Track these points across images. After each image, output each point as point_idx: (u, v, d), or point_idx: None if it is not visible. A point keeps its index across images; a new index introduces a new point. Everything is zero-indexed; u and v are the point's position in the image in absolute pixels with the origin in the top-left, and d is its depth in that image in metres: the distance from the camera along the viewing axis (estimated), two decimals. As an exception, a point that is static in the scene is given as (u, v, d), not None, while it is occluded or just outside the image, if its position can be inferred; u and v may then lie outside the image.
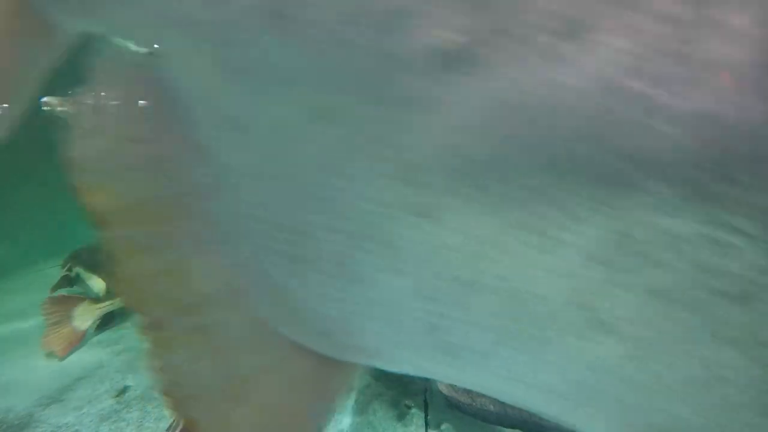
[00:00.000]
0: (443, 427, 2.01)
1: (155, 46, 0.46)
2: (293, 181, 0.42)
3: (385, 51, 0.33)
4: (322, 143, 0.39)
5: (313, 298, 0.46)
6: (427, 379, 1.96)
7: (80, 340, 2.29)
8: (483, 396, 1.77)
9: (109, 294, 2.51)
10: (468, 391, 1.83)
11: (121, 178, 0.48)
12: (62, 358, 2.18)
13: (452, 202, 0.36)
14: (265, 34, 0.36)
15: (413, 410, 2.11)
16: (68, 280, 2.89)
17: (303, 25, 0.34)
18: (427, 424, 2.02)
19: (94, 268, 2.82)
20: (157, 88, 0.46)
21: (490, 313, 0.39)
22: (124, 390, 2.09)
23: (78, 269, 2.89)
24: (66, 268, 2.92)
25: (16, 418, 1.89)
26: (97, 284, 2.77)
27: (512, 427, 1.76)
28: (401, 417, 2.10)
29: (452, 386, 1.88)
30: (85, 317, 2.35)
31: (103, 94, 0.48)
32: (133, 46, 0.47)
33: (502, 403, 1.74)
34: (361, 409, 2.13)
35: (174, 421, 1.54)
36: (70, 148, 0.48)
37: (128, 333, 2.66)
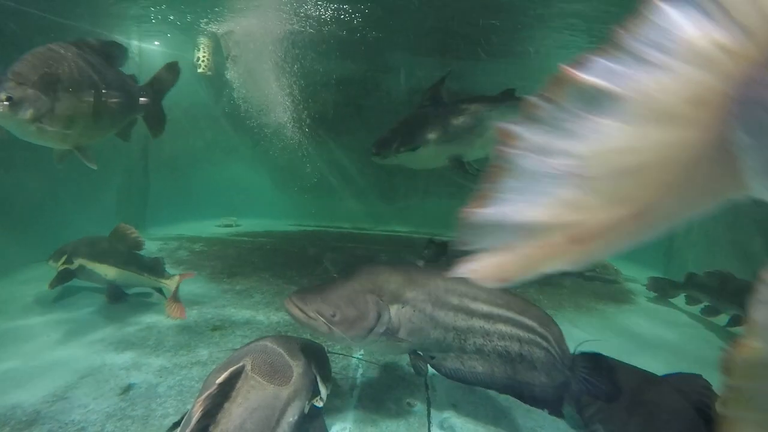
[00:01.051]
0: (445, 424, 2.03)
1: None
2: None
3: None
4: None
5: None
6: (429, 377, 1.96)
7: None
8: (472, 359, 1.92)
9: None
10: (458, 357, 1.94)
11: None
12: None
13: None
14: None
15: (416, 407, 2.12)
16: (69, 273, 2.82)
17: None
18: (429, 422, 2.04)
19: (99, 258, 2.88)
20: None
21: None
22: (128, 388, 2.07)
23: (80, 261, 2.86)
24: (63, 261, 2.84)
25: (23, 414, 1.88)
26: (106, 271, 2.89)
27: (498, 389, 1.92)
28: (404, 414, 2.12)
29: (443, 355, 1.96)
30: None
31: None
32: None
33: (491, 365, 1.90)
34: (364, 405, 2.15)
35: (182, 417, 1.53)
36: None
37: (133, 332, 2.66)
